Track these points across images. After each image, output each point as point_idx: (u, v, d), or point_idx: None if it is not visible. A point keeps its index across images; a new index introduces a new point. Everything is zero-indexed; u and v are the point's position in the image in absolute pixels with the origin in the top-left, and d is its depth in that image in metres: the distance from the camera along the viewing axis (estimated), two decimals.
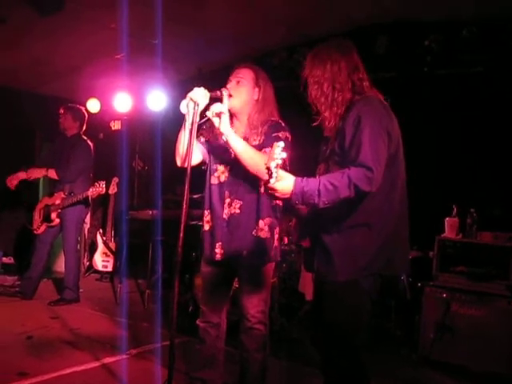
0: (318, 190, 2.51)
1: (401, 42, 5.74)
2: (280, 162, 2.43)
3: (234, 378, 3.66)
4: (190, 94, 3.12)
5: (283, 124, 3.38)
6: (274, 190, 2.54)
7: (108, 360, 4.53)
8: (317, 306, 2.95)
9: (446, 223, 4.94)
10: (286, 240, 5.47)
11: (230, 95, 3.32)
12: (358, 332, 2.77)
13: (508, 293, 4.53)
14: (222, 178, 3.41)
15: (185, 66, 7.18)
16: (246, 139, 3.27)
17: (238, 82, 3.39)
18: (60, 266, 7.44)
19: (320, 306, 2.83)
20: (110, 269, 7.68)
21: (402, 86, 5.60)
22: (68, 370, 4.24)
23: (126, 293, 6.85)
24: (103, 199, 8.13)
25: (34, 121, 7.90)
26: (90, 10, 5.47)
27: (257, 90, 3.40)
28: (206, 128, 3.53)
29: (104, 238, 7.78)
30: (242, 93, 3.37)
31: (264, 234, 3.35)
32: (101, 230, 7.97)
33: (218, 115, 3.16)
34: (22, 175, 6.33)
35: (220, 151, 3.44)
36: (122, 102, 7.54)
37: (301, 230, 3.13)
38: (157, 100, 7.39)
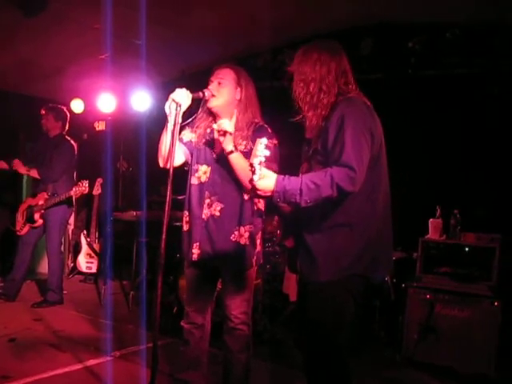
0: (300, 189, 2.49)
1: (385, 43, 5.76)
2: (263, 159, 2.44)
3: (217, 379, 3.65)
4: (172, 95, 3.12)
5: (269, 129, 3.38)
6: (256, 188, 2.53)
7: (92, 362, 4.52)
8: (300, 307, 2.95)
9: (429, 224, 4.96)
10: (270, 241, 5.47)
11: (213, 95, 3.32)
12: (340, 332, 2.77)
13: (491, 293, 4.56)
14: (203, 179, 3.40)
15: (168, 68, 7.16)
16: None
17: (220, 82, 3.38)
18: (44, 267, 7.40)
19: (303, 306, 2.85)
20: (94, 270, 7.64)
21: (387, 88, 5.62)
22: (51, 373, 4.22)
23: (110, 294, 6.82)
24: (87, 200, 8.08)
25: (18, 121, 7.85)
26: (74, 10, 5.43)
27: (239, 89, 3.40)
28: (190, 128, 3.53)
29: (88, 240, 7.74)
30: (223, 93, 3.37)
31: (243, 240, 3.35)
32: (85, 231, 7.93)
33: (224, 134, 3.16)
34: (2, 164, 6.34)
35: (203, 152, 3.44)
36: (106, 103, 7.50)
37: (284, 229, 3.12)
38: (141, 101, 7.35)
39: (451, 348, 4.57)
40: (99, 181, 7.14)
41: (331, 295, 2.71)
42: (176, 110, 3.11)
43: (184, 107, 3.15)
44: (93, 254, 7.65)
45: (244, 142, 3.32)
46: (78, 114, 7.78)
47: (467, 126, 5.31)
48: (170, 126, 3.20)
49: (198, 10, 5.57)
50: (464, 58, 5.36)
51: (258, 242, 3.46)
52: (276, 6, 5.56)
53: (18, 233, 6.44)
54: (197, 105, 3.37)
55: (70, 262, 8.62)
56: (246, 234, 3.35)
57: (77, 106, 7.78)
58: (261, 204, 3.44)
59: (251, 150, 3.14)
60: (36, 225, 6.33)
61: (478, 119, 5.28)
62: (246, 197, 3.33)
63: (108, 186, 7.43)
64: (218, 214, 3.34)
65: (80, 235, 7.88)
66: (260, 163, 2.45)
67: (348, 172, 2.49)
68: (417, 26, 5.59)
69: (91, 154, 8.40)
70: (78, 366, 4.41)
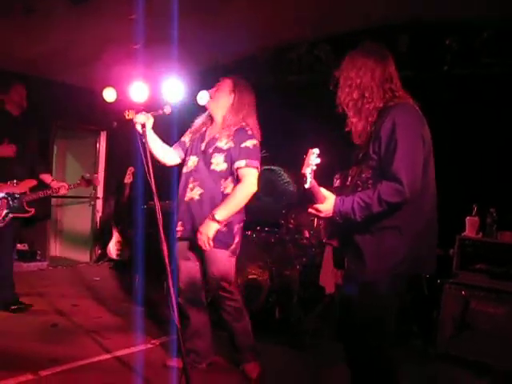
0: (352, 209, 2.70)
1: (421, 40, 5.78)
2: (314, 167, 2.60)
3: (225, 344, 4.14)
4: (135, 119, 3.69)
5: (249, 132, 3.89)
6: (319, 211, 2.77)
7: (128, 350, 4.58)
8: (345, 304, 3.01)
9: (466, 222, 5.01)
10: (307, 234, 5.51)
11: (211, 98, 3.98)
12: (385, 330, 2.86)
13: None
14: (190, 167, 3.94)
15: (203, 57, 7.19)
16: (216, 138, 3.92)
17: (217, 89, 4.04)
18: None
19: (348, 303, 2.92)
20: (124, 258, 7.71)
21: (422, 85, 5.60)
22: (97, 358, 4.31)
23: (142, 282, 6.84)
24: (117, 187, 8.18)
25: (51, 108, 7.93)
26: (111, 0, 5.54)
27: (232, 95, 3.99)
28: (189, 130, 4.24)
29: (119, 227, 7.80)
30: (218, 97, 4.00)
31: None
32: (113, 219, 7.99)
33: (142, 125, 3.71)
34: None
35: (195, 145, 4.07)
36: (139, 92, 7.52)
37: (330, 229, 3.21)
38: (173, 90, 7.38)
39: (486, 344, 4.57)
40: (131, 169, 7.24)
41: (378, 295, 2.79)
42: (142, 129, 3.69)
43: (149, 125, 3.84)
44: (124, 242, 7.72)
45: (225, 140, 3.87)
46: (110, 103, 7.84)
47: (504, 124, 5.31)
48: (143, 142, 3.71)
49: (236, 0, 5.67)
50: (500, 58, 5.36)
51: (237, 234, 3.94)
52: (313, 0, 5.62)
53: None
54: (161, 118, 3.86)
55: (97, 248, 8.73)
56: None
57: (109, 94, 7.82)
58: None
59: (230, 148, 3.80)
60: (29, 214, 5.47)
61: None
62: (223, 189, 3.85)
63: (140, 174, 7.50)
64: (197, 197, 3.86)
65: (110, 222, 7.96)
66: (311, 172, 2.61)
67: (395, 186, 2.63)
68: (452, 24, 5.61)
69: (121, 142, 8.47)
70: (122, 352, 4.49)
